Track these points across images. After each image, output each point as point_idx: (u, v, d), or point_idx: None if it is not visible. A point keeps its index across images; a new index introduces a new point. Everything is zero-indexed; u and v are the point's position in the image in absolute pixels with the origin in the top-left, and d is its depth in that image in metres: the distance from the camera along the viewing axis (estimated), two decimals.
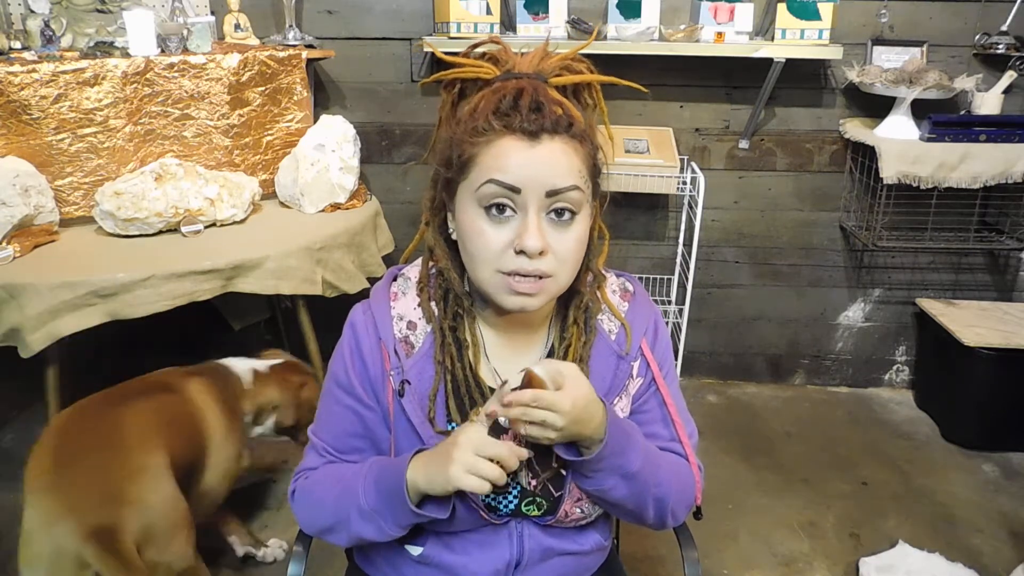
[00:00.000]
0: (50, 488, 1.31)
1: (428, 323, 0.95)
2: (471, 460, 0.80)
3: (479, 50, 0.94)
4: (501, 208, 0.83)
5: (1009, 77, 2.33)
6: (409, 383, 0.92)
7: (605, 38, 2.28)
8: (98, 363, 2.77)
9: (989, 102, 2.33)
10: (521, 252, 0.82)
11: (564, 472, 0.92)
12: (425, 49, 2.37)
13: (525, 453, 0.83)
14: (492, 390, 0.95)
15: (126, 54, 2.02)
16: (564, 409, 0.81)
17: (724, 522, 2.05)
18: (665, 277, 2.66)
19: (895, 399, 2.75)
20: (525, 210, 0.82)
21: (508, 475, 0.83)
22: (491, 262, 0.84)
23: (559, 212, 0.83)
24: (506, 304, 0.86)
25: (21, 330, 1.69)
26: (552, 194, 0.82)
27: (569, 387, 0.81)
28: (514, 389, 0.83)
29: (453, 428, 0.93)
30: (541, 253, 0.82)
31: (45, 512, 1.28)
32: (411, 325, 0.95)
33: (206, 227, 2.03)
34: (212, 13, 2.36)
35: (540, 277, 0.84)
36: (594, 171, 0.88)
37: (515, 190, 0.82)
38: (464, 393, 0.93)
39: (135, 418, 1.47)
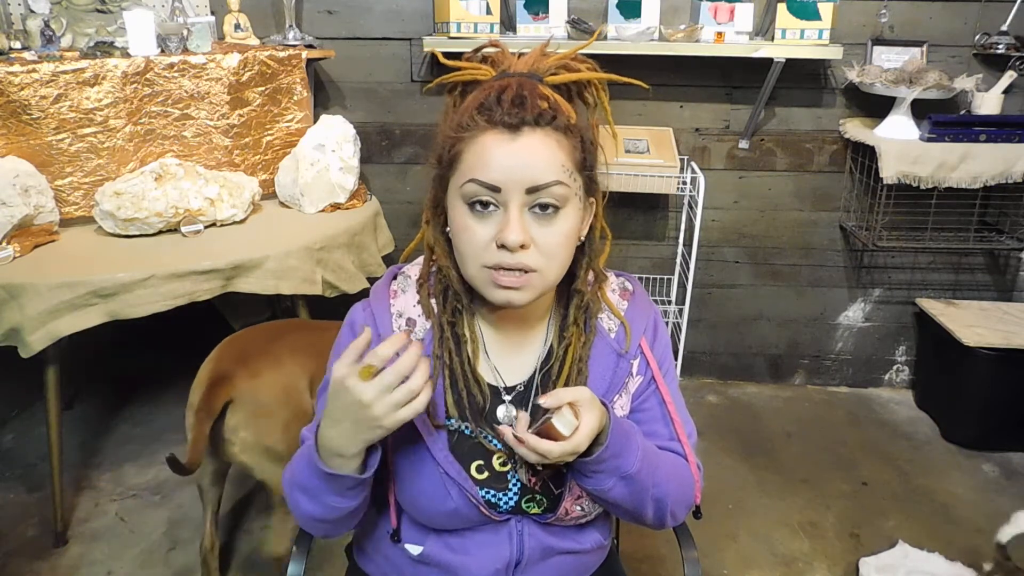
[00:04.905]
0: (221, 344, 1.66)
1: (427, 320, 0.95)
2: (387, 402, 0.79)
3: (479, 54, 0.95)
4: (484, 204, 0.83)
5: (1009, 77, 2.33)
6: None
7: (605, 38, 2.28)
8: (98, 363, 2.78)
9: (989, 102, 2.33)
10: (503, 246, 0.82)
11: (564, 469, 0.92)
12: (425, 50, 2.37)
13: (416, 360, 0.79)
14: (491, 387, 0.95)
15: (126, 54, 2.02)
16: (579, 450, 0.82)
17: (724, 522, 2.05)
18: (665, 277, 2.66)
19: (895, 399, 2.75)
20: (507, 205, 0.83)
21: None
22: (476, 257, 0.85)
23: (542, 207, 0.83)
24: (492, 298, 0.87)
25: (21, 330, 1.69)
26: (533, 190, 0.82)
27: (584, 422, 0.82)
28: (534, 417, 0.85)
29: (451, 423, 0.93)
30: (523, 247, 0.82)
31: (209, 356, 1.63)
32: (410, 322, 0.96)
33: (206, 227, 2.03)
34: (212, 13, 2.36)
35: (524, 271, 0.84)
36: (583, 165, 0.87)
37: (495, 189, 0.82)
38: (462, 387, 0.93)
39: (310, 336, 1.71)
